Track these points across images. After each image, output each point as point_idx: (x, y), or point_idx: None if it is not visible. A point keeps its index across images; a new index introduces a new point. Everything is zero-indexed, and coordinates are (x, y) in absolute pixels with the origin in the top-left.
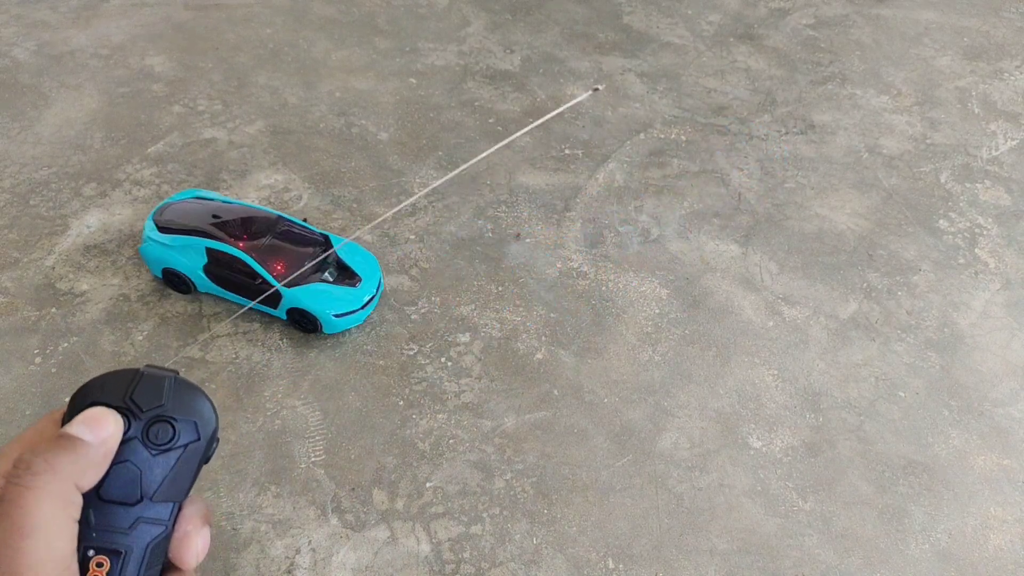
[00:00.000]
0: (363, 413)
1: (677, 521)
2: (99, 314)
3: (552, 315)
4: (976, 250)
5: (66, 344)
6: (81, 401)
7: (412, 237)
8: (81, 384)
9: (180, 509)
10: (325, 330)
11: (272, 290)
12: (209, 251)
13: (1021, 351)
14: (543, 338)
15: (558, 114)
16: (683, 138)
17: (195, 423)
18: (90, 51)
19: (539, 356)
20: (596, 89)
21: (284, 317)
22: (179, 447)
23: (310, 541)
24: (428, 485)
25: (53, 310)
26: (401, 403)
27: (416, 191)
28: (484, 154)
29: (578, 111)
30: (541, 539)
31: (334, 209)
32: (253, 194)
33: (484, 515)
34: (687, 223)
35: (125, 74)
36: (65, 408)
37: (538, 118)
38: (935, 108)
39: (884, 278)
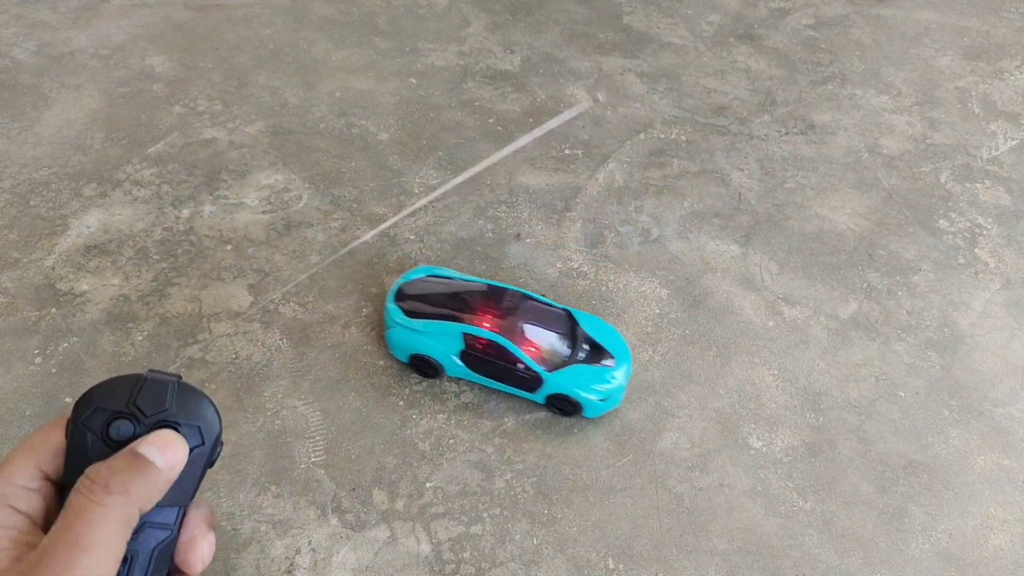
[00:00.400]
0: (363, 413)
1: (677, 521)
2: (99, 314)
3: None
4: (976, 250)
5: (66, 344)
6: (86, 406)
7: (412, 237)
8: (85, 389)
9: (185, 513)
10: (586, 414)
11: (529, 374)
12: (466, 336)
13: (1021, 351)
14: None
15: (560, 124)
16: (683, 138)
17: (199, 427)
18: (90, 51)
19: None
20: (596, 99)
21: (542, 402)
22: None
23: (310, 541)
24: (428, 485)
25: (53, 310)
26: (401, 403)
27: (416, 191)
28: (492, 158)
29: (578, 111)
30: (541, 539)
31: (334, 209)
32: (253, 194)
33: (484, 515)
34: (687, 223)
35: (125, 74)
36: (68, 414)
37: (538, 118)
38: (935, 108)
39: (884, 278)
